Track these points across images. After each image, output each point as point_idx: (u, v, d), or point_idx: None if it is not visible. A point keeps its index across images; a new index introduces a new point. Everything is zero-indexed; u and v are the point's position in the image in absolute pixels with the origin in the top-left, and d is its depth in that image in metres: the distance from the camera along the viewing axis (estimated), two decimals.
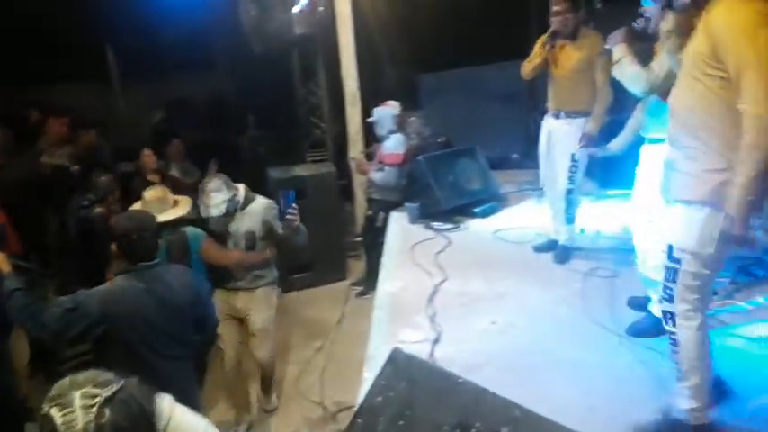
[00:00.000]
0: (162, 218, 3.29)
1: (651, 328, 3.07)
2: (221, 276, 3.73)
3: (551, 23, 3.86)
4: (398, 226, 4.99)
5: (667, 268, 2.12)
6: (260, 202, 3.75)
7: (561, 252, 4.12)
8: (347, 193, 6.46)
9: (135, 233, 2.51)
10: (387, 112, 5.27)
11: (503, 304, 3.52)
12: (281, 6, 5.05)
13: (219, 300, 3.70)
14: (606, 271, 3.83)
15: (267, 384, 4.08)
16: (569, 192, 3.99)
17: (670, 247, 2.10)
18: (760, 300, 3.36)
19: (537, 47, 3.95)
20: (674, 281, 2.10)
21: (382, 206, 5.29)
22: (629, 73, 2.64)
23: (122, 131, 7.46)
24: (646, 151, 3.09)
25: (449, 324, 3.27)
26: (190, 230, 3.55)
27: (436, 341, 3.10)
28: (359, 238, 6.06)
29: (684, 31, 2.14)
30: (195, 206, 3.67)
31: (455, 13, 7.49)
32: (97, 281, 2.63)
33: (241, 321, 3.83)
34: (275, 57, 6.25)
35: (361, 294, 5.51)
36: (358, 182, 6.22)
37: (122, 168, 5.73)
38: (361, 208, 6.12)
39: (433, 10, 7.41)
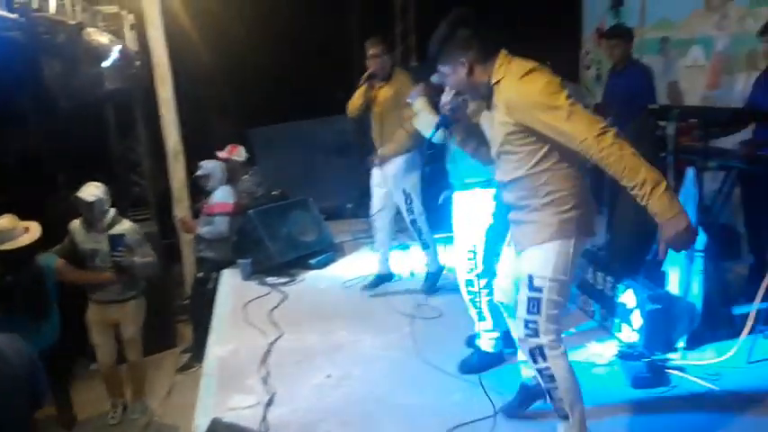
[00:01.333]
0: (12, 245, 3.57)
1: (480, 363, 3.21)
2: (89, 289, 4.26)
3: (368, 66, 4.02)
4: (230, 284, 4.78)
5: (529, 300, 2.18)
6: (125, 225, 4.29)
7: (428, 280, 4.26)
8: (174, 253, 6.10)
9: None
10: (217, 164, 5.12)
11: (338, 356, 3.47)
12: (88, 61, 4.76)
13: (93, 311, 4.30)
14: (434, 311, 3.97)
15: (139, 386, 4.64)
16: (413, 222, 4.17)
17: (530, 278, 2.18)
18: (572, 330, 3.66)
19: (359, 88, 4.09)
20: (537, 312, 2.18)
21: (213, 266, 5.05)
22: (422, 122, 2.87)
23: None
24: (455, 197, 3.28)
25: (283, 383, 3.15)
26: (42, 259, 3.87)
27: (269, 403, 2.95)
28: (188, 301, 5.71)
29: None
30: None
31: (284, 68, 7.59)
32: None
33: (113, 328, 4.37)
34: (87, 112, 5.83)
35: (184, 369, 5.15)
36: (185, 240, 5.91)
37: None
38: (190, 268, 5.81)
39: (262, 65, 7.46)
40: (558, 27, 7.08)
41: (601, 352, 3.33)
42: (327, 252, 5.30)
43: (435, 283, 4.25)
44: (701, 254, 3.27)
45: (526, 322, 2.22)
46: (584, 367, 3.17)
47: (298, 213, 5.41)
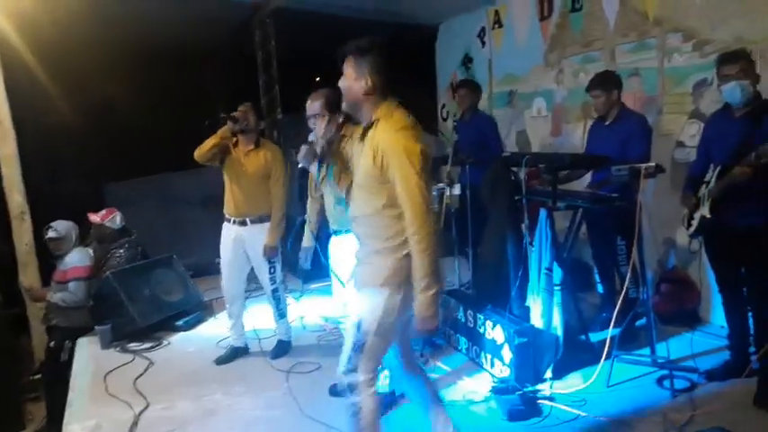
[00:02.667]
0: None
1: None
2: None
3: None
4: (87, 354, 4.37)
5: (356, 341, 2.28)
6: None
7: (279, 347, 4.15)
8: (20, 324, 5.49)
9: None
10: (70, 225, 4.74)
11: (214, 422, 3.28)
12: None
13: None
14: (310, 365, 3.91)
15: None
16: (275, 291, 4.07)
17: (360, 322, 2.28)
18: (445, 367, 3.75)
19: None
20: (360, 351, 2.28)
21: (66, 334, 4.59)
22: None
23: None
24: (332, 243, 3.31)
25: None
26: None
27: None
28: (38, 376, 5.14)
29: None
30: None
31: (145, 120, 7.31)
32: None
33: None
34: None
35: None
36: (33, 308, 5.36)
37: None
38: (40, 339, 5.25)
39: (120, 117, 7.14)
40: (417, 83, 7.52)
41: (475, 389, 3.45)
42: (195, 312, 5.07)
43: (286, 351, 4.14)
44: (559, 287, 3.53)
45: (349, 359, 2.32)
46: (462, 405, 3.26)
47: (161, 272, 5.14)
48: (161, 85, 7.22)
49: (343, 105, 2.36)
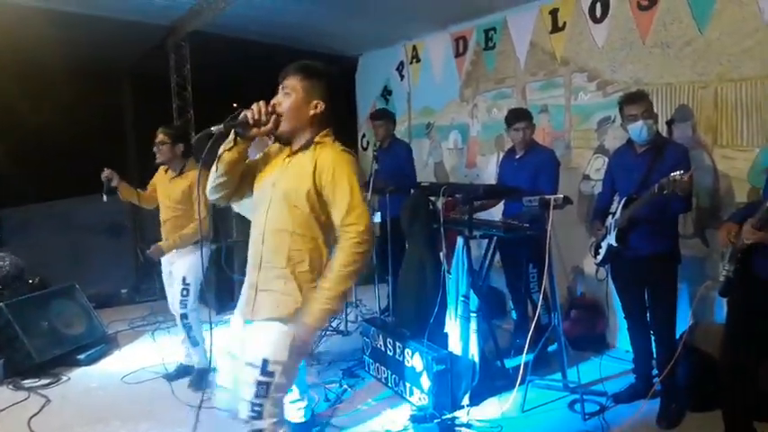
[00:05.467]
0: None
1: None
2: None
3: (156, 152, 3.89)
4: None
5: (259, 384, 2.08)
6: None
7: (196, 376, 4.01)
8: None
9: None
10: None
11: None
12: None
13: None
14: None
15: None
16: (184, 316, 3.94)
17: (265, 362, 2.08)
18: (370, 401, 3.70)
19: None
20: (265, 396, 2.09)
21: None
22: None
23: None
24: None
25: None
26: None
27: None
28: None
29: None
30: None
31: (47, 142, 6.92)
32: None
33: None
34: None
35: None
36: None
37: None
38: None
39: (19, 138, 6.71)
40: (338, 114, 7.56)
41: (394, 418, 3.42)
42: (98, 345, 4.77)
43: (205, 379, 3.90)
44: (475, 314, 3.60)
45: (252, 405, 2.11)
46: None
47: (61, 303, 4.83)
48: (66, 105, 6.87)
49: (283, 125, 2.13)
